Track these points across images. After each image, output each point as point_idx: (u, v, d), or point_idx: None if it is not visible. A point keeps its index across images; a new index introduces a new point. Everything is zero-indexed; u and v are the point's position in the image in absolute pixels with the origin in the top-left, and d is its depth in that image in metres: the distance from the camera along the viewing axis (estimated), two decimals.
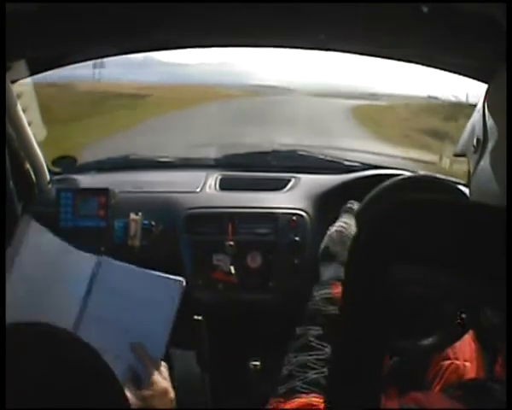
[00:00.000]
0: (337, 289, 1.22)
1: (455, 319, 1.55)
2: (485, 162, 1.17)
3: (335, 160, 2.55)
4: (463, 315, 1.54)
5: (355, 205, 1.46)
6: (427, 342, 1.55)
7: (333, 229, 1.39)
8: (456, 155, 1.32)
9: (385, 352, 0.86)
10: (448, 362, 1.54)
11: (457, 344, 1.54)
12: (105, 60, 1.91)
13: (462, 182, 2.32)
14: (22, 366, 0.66)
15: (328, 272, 1.29)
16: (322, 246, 1.38)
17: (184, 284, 1.54)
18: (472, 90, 1.90)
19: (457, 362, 1.52)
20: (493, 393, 1.02)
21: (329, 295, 1.23)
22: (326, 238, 1.39)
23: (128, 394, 0.93)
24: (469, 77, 1.68)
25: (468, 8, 1.15)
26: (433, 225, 0.76)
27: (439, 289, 1.43)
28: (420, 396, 1.00)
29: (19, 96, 2.02)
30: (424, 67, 1.74)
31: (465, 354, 1.56)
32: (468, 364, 1.53)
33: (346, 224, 1.40)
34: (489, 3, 1.09)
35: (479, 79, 1.65)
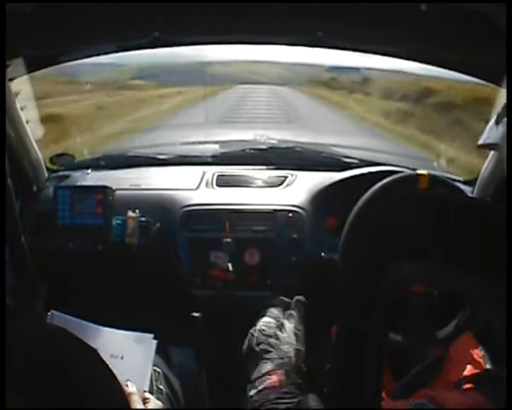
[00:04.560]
0: (273, 378, 1.22)
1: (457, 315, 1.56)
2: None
3: (333, 157, 2.55)
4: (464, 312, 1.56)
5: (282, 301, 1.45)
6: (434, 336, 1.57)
7: (256, 328, 1.39)
8: (481, 147, 1.32)
9: (386, 351, 0.87)
10: (449, 364, 1.54)
11: (458, 344, 1.55)
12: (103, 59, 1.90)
13: (460, 179, 2.33)
14: (22, 366, 0.66)
15: (259, 370, 1.28)
16: (245, 347, 1.36)
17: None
18: None
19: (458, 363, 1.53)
20: (499, 382, 1.03)
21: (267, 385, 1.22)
22: (248, 339, 1.38)
23: None
24: (471, 76, 1.68)
25: (468, 7, 1.15)
26: (433, 222, 0.76)
27: (440, 286, 1.44)
28: (432, 392, 1.01)
29: (17, 93, 2.02)
30: (424, 65, 1.74)
31: (465, 354, 1.57)
32: (472, 359, 1.54)
33: (268, 323, 1.39)
34: (489, 3, 1.09)
35: (480, 78, 1.66)
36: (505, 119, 1.17)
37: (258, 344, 1.30)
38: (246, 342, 1.35)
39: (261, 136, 2.66)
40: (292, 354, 1.27)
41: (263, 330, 1.33)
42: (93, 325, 1.58)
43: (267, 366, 1.24)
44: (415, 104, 6.82)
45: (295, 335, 1.33)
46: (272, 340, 1.30)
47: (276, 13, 1.41)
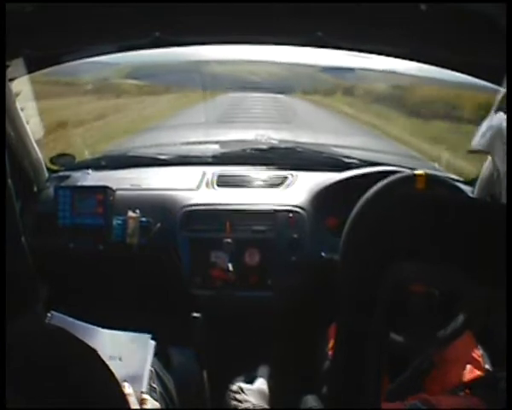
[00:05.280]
0: None
1: (457, 315, 1.57)
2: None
3: (333, 157, 2.55)
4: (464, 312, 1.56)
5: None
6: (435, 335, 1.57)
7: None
8: (472, 152, 1.32)
9: (386, 351, 0.87)
10: (448, 364, 1.54)
11: (458, 344, 1.55)
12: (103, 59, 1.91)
13: (460, 179, 2.33)
14: (22, 366, 0.66)
15: None
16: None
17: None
18: None
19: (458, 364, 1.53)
20: (499, 385, 1.03)
21: None
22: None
23: None
24: (471, 76, 1.68)
25: (468, 7, 1.15)
26: (433, 222, 0.76)
27: (441, 286, 1.44)
28: (426, 395, 1.01)
29: (17, 94, 2.02)
30: (425, 66, 1.74)
31: (465, 354, 1.57)
32: (472, 359, 1.54)
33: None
34: (489, 3, 1.09)
35: (480, 78, 1.66)
36: (493, 125, 1.17)
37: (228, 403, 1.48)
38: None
39: (261, 136, 2.66)
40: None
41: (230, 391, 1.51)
42: (91, 326, 1.59)
43: None
44: (415, 107, 6.82)
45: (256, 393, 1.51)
46: (237, 397, 1.48)
47: (276, 13, 1.41)
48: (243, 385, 1.53)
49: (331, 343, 1.76)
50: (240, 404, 1.47)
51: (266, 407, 1.48)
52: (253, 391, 1.53)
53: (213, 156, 2.56)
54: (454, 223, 0.74)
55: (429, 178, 1.78)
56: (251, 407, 1.45)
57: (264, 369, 1.67)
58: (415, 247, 0.76)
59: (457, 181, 2.27)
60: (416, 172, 1.82)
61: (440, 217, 0.76)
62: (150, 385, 1.59)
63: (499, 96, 1.40)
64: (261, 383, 1.57)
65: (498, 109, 1.27)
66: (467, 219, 0.74)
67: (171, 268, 2.16)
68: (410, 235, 0.76)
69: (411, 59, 1.72)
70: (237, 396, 1.50)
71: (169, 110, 7.38)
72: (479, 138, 1.25)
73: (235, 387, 1.53)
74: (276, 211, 2.19)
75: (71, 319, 1.59)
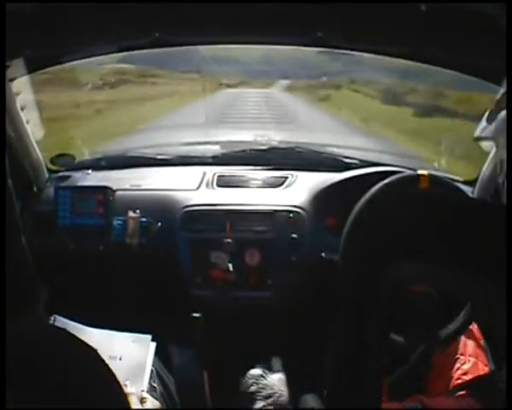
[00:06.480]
0: None
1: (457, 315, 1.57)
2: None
3: (333, 157, 2.55)
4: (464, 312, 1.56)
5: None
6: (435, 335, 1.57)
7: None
8: (478, 139, 1.32)
9: (387, 350, 0.87)
10: (447, 365, 1.55)
11: (460, 341, 1.55)
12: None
13: (460, 179, 2.33)
14: (22, 367, 0.66)
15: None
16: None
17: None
18: None
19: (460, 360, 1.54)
20: (497, 386, 1.03)
21: None
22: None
23: None
24: (471, 76, 1.68)
25: (468, 7, 1.15)
26: (433, 222, 0.76)
27: (442, 286, 1.44)
28: (424, 397, 1.01)
29: (17, 94, 2.02)
30: (425, 65, 1.75)
31: (468, 351, 1.57)
32: (472, 359, 1.54)
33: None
34: (489, 3, 1.09)
35: (481, 78, 1.66)
36: (500, 113, 1.17)
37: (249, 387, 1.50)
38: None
39: (261, 136, 2.66)
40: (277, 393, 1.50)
41: (251, 376, 1.54)
42: (91, 326, 1.59)
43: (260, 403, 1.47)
44: (415, 107, 6.82)
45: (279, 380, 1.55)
46: (260, 381, 1.52)
47: (276, 13, 1.41)
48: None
49: (331, 343, 1.76)
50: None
51: None
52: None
53: (213, 157, 2.56)
54: (454, 223, 0.74)
55: (431, 178, 1.78)
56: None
57: (265, 369, 1.67)
58: (415, 247, 0.76)
59: (458, 181, 2.27)
60: (418, 172, 1.82)
61: (440, 217, 0.76)
62: (151, 385, 1.59)
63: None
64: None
65: (503, 100, 1.27)
66: (467, 219, 0.74)
67: (172, 268, 2.16)
68: (409, 235, 0.76)
69: (411, 59, 1.73)
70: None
71: (166, 108, 7.36)
72: (485, 126, 1.25)
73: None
74: (276, 211, 2.18)
75: (69, 322, 1.59)
